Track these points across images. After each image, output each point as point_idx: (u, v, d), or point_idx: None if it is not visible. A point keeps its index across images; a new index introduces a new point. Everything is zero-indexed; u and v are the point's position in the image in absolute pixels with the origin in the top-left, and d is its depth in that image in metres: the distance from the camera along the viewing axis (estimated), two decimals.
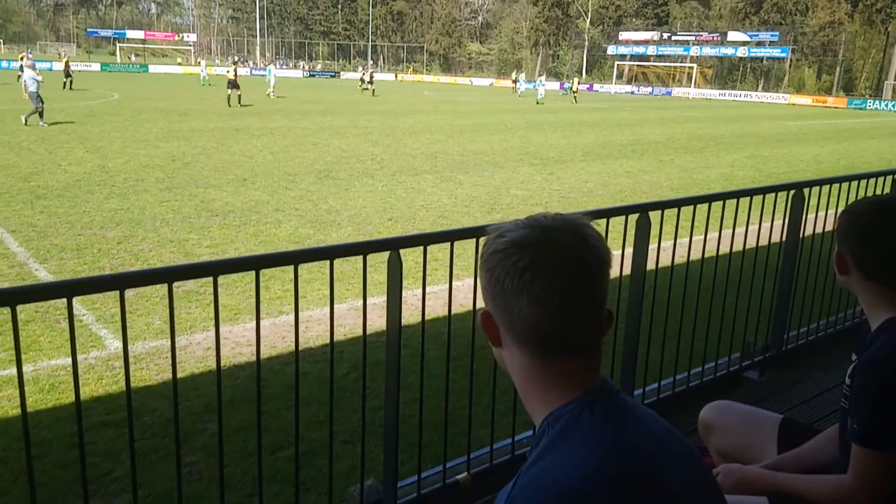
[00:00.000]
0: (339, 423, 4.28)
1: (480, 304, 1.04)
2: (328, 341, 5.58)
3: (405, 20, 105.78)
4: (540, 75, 54.18)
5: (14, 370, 4.82)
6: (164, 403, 4.43)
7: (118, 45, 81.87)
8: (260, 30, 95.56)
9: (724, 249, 3.67)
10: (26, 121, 19.32)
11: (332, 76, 77.82)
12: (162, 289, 6.55)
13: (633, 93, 66.06)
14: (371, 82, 45.59)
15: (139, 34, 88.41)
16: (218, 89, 38.04)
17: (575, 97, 45.21)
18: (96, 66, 62.27)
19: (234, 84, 29.85)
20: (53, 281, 6.55)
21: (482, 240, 1.02)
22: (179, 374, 4.92)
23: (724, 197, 3.77)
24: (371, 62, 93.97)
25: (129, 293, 6.29)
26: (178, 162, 14.28)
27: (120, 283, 1.67)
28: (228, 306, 6.29)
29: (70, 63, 38.05)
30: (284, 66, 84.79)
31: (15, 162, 13.40)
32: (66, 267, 7.23)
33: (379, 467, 3.04)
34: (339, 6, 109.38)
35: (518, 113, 33.58)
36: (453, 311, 2.58)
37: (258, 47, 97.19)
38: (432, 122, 26.57)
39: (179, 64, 75.55)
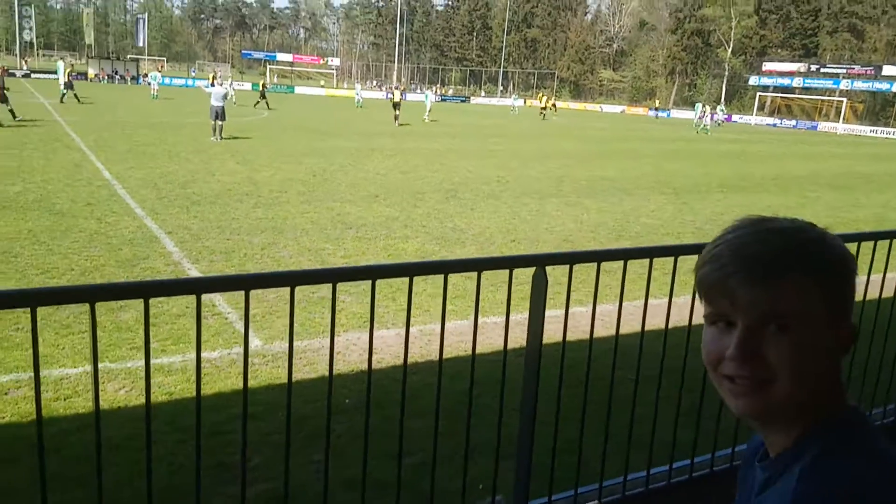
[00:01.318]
0: (453, 437, 4.31)
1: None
2: (448, 355, 5.63)
3: (538, 47, 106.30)
4: (707, 104, 50.85)
5: (165, 360, 5.24)
6: (297, 401, 4.62)
7: (268, 66, 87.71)
8: (398, 55, 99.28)
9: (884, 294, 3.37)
10: (220, 136, 20.87)
11: (462, 101, 79.33)
12: (299, 293, 6.85)
13: (775, 125, 62.61)
14: (547, 108, 50.49)
15: (288, 57, 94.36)
16: (369, 111, 39.93)
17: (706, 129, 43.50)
18: (247, 86, 66.96)
19: (397, 105, 33.36)
20: (184, 278, 7.06)
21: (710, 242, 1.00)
22: (312, 375, 5.16)
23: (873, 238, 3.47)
24: (546, 90, 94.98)
25: (270, 295, 6.68)
26: (317, 177, 15.04)
27: (246, 284, 1.78)
28: (359, 314, 6.51)
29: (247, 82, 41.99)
30: (417, 90, 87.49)
31: (174, 170, 14.63)
32: (214, 268, 7.78)
33: (500, 485, 3.02)
34: (475, 34, 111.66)
35: (649, 141, 32.71)
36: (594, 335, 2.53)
37: (395, 72, 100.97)
38: (559, 146, 26.42)
39: (322, 86, 79.77)
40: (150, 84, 44.22)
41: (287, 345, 5.68)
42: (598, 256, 2.27)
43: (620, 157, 23.55)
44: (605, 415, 2.55)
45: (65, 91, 31.35)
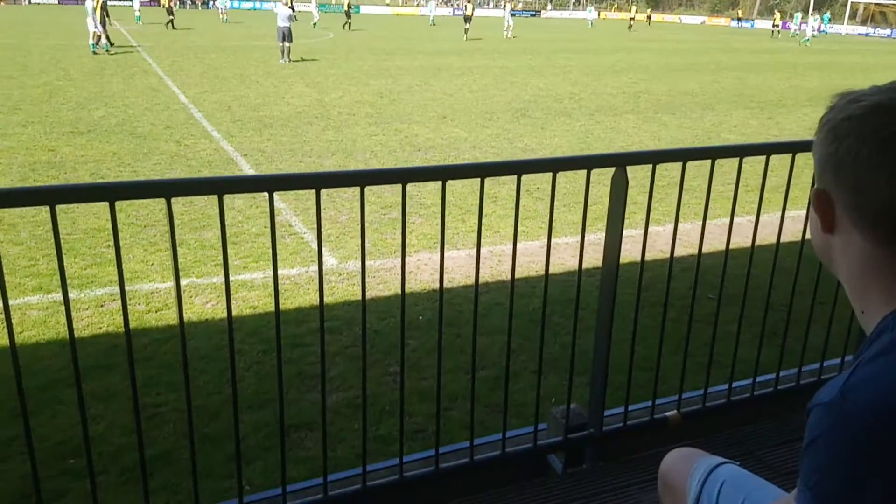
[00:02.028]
0: (526, 353, 4.35)
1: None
2: (522, 274, 5.61)
3: None
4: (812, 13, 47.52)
5: (247, 276, 5.42)
6: (372, 317, 4.75)
7: None
8: None
9: None
10: (288, 59, 20.80)
11: (532, 15, 76.46)
12: (370, 216, 6.87)
13: (867, 35, 57.83)
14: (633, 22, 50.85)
15: None
16: (441, 28, 39.24)
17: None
18: (312, 6, 66.32)
19: (468, 19, 35.03)
20: (256, 175, 7.23)
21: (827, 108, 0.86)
22: (385, 293, 5.26)
23: None
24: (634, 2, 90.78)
25: (342, 217, 6.78)
26: (385, 98, 14.93)
27: (317, 182, 1.77)
28: (429, 235, 6.54)
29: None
30: (487, 7, 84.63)
31: (246, 93, 14.80)
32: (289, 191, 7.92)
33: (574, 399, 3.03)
34: None
35: (732, 53, 30.85)
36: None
37: None
38: (636, 60, 25.25)
39: (388, 5, 78.22)
40: (219, 9, 44.41)
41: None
42: (684, 155, 2.14)
43: (701, 71, 22.35)
44: (684, 333, 2.49)
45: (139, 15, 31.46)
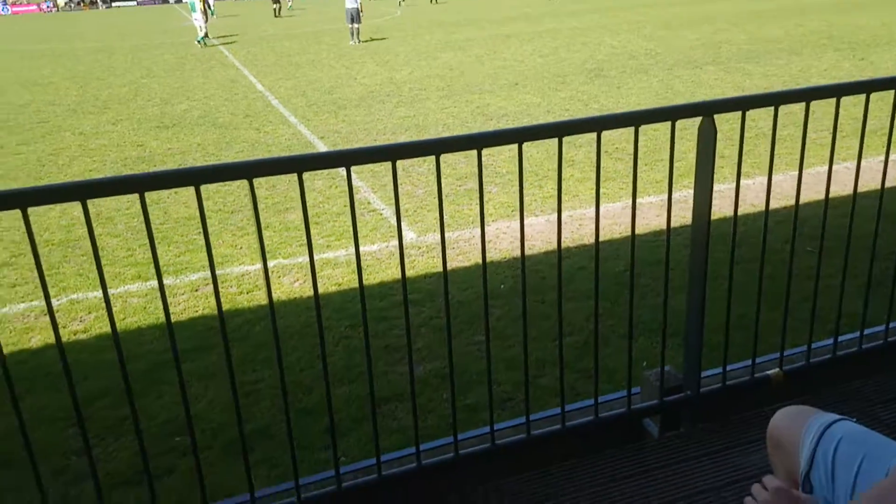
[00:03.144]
0: (613, 317, 4.25)
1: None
2: (605, 238, 5.49)
3: None
4: None
5: (330, 254, 5.53)
6: (454, 288, 4.75)
7: None
8: None
9: None
10: (358, 40, 21.07)
11: None
12: (449, 187, 6.83)
13: None
14: None
15: None
16: None
17: None
18: None
19: None
20: (332, 150, 7.30)
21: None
22: (466, 264, 5.25)
23: None
24: None
25: (419, 191, 6.80)
26: (455, 71, 14.82)
27: (392, 153, 1.75)
28: (506, 203, 6.48)
29: None
30: None
31: (319, 77, 15.02)
32: (366, 169, 8.01)
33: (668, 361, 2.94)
34: None
35: None
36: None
37: None
38: (713, 9, 24.05)
39: None
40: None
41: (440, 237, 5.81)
42: (775, 99, 2.00)
43: (783, 15, 21.06)
44: (784, 290, 2.35)
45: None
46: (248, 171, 1.66)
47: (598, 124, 1.88)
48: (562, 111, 10.29)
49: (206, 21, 23.65)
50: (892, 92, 2.20)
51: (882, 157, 2.39)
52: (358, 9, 21.04)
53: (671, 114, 1.94)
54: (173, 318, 4.67)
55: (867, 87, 2.07)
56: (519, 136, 1.83)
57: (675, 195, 2.08)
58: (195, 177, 1.61)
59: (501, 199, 6.61)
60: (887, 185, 2.45)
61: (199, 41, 23.01)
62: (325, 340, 2.19)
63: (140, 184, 1.56)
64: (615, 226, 5.74)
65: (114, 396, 3.62)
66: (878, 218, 2.39)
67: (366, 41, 21.32)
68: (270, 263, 5.38)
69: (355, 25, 20.99)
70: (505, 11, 29.77)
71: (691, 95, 10.69)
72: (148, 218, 1.64)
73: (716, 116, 1.98)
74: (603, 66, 13.98)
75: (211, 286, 5.10)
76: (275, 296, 4.78)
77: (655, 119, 1.97)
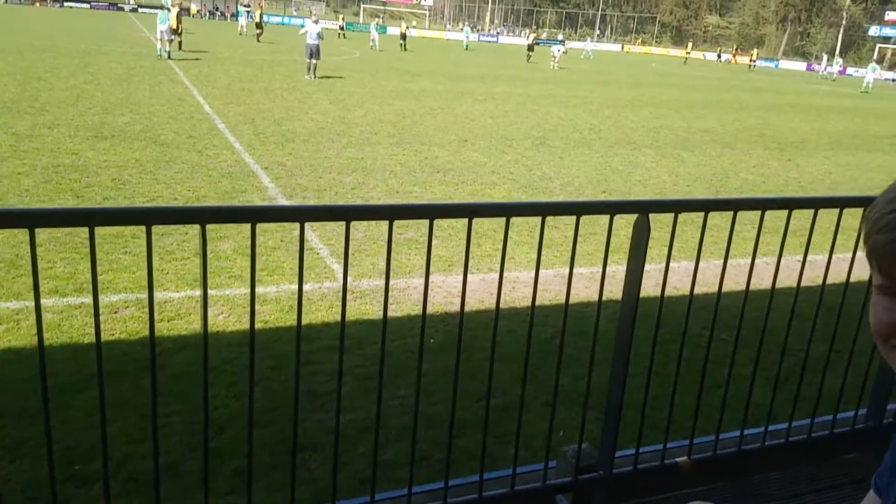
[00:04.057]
0: (538, 383, 4.32)
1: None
2: (536, 303, 5.60)
3: None
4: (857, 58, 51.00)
5: (260, 289, 5.43)
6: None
7: (362, 5, 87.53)
8: None
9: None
10: (314, 75, 21.19)
11: (558, 44, 77.01)
12: (384, 234, 6.94)
13: (894, 80, 57.77)
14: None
15: None
16: (475, 54, 39.73)
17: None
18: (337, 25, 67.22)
19: (531, 48, 40.27)
20: (290, 205, 7.26)
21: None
22: (398, 314, 5.26)
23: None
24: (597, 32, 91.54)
25: (358, 234, 6.80)
26: (407, 119, 15.04)
27: (347, 214, 1.78)
28: (444, 257, 6.55)
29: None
30: (511, 34, 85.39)
31: (270, 107, 14.97)
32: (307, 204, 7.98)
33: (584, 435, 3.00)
34: None
35: (755, 92, 30.89)
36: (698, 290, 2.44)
37: (488, 13, 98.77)
38: (657, 95, 25.33)
39: (415, 27, 79.14)
40: (239, 23, 44.78)
41: (375, 282, 5.81)
42: (706, 206, 2.15)
43: (722, 109, 22.38)
44: (699, 373, 2.47)
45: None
46: (202, 216, 1.65)
47: (543, 210, 1.96)
48: (506, 173, 10.55)
49: (177, 36, 24.25)
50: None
51: (800, 256, 2.57)
52: (318, 45, 21.22)
53: (611, 208, 2.05)
54: (86, 340, 4.48)
55: (790, 204, 2.24)
56: (469, 211, 1.89)
57: (609, 268, 2.19)
58: (146, 216, 1.59)
59: (440, 253, 6.68)
60: (803, 284, 2.62)
61: (160, 55, 22.96)
62: (253, 382, 2.16)
63: (89, 217, 1.53)
64: (546, 292, 5.87)
65: (14, 416, 3.43)
66: (791, 316, 2.55)
67: (322, 78, 21.44)
68: (197, 292, 5.24)
69: (314, 61, 21.12)
70: (463, 69, 30.54)
71: (628, 175, 11.15)
72: (94, 253, 1.60)
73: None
74: (549, 135, 14.46)
75: (130, 310, 4.95)
76: (198, 328, 4.65)
77: (596, 211, 2.08)
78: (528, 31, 45.91)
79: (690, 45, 65.94)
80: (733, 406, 2.72)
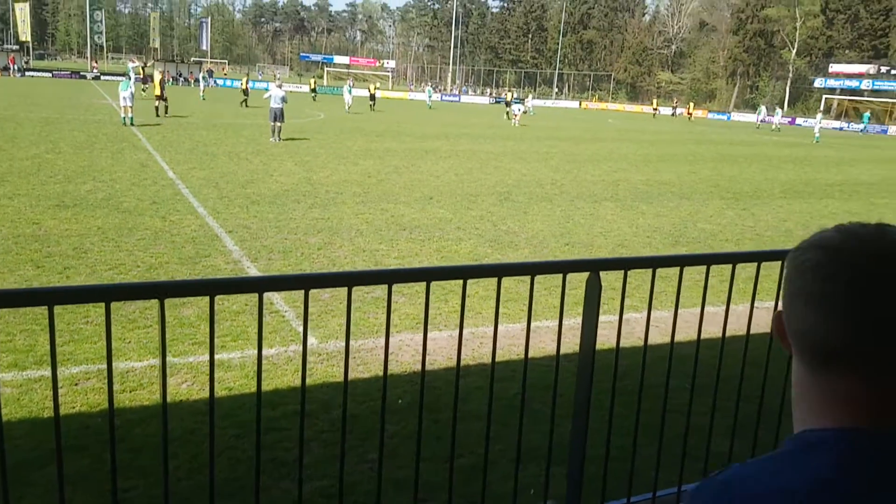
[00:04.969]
0: (503, 441, 4.32)
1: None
2: (500, 359, 5.63)
3: (594, 48, 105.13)
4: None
5: (224, 356, 5.38)
6: (351, 401, 4.71)
7: (326, 69, 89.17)
8: (453, 58, 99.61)
9: None
10: (279, 138, 21.38)
11: (517, 102, 79.14)
12: (354, 293, 6.93)
13: (841, 129, 60.41)
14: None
15: (345, 59, 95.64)
16: (438, 112, 40.45)
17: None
18: (305, 88, 68.24)
19: (509, 104, 41.87)
20: (247, 276, 7.22)
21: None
22: (365, 375, 5.23)
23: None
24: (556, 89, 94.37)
25: (325, 295, 6.80)
26: (372, 178, 15.22)
27: (305, 283, 1.83)
28: (412, 315, 6.57)
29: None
30: (472, 93, 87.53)
31: (234, 170, 15.03)
32: (272, 267, 7.97)
33: (551, 490, 3.01)
34: (530, 35, 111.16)
35: (708, 144, 31.96)
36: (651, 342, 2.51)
37: (450, 74, 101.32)
38: (615, 149, 26.06)
39: (378, 89, 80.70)
40: (198, 83, 45.47)
41: (342, 344, 5.79)
42: (654, 263, 2.25)
43: (678, 161, 23.09)
44: (659, 424, 2.53)
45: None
46: (161, 291, 1.68)
47: (499, 271, 2.03)
48: (472, 228, 10.69)
49: (163, 101, 25.95)
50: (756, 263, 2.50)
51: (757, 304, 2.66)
52: (282, 109, 21.51)
53: (564, 267, 2.13)
54: (46, 414, 4.37)
55: (733, 259, 2.35)
56: (427, 275, 1.95)
57: (573, 321, 2.25)
58: (105, 293, 1.62)
59: (407, 311, 6.70)
60: (754, 331, 2.71)
61: (124, 122, 23.09)
62: (213, 451, 2.14)
63: (49, 296, 1.55)
64: (514, 346, 5.91)
65: None
66: (743, 364, 2.63)
67: (287, 140, 21.65)
68: (158, 361, 5.17)
69: (278, 124, 21.36)
70: (427, 128, 31.13)
71: (590, 227, 11.39)
72: (53, 331, 1.62)
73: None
74: (512, 190, 14.74)
75: (91, 381, 4.85)
76: (160, 398, 4.57)
77: (550, 271, 2.15)
78: (505, 90, 48.26)
79: (656, 101, 68.76)
80: (695, 455, 2.77)
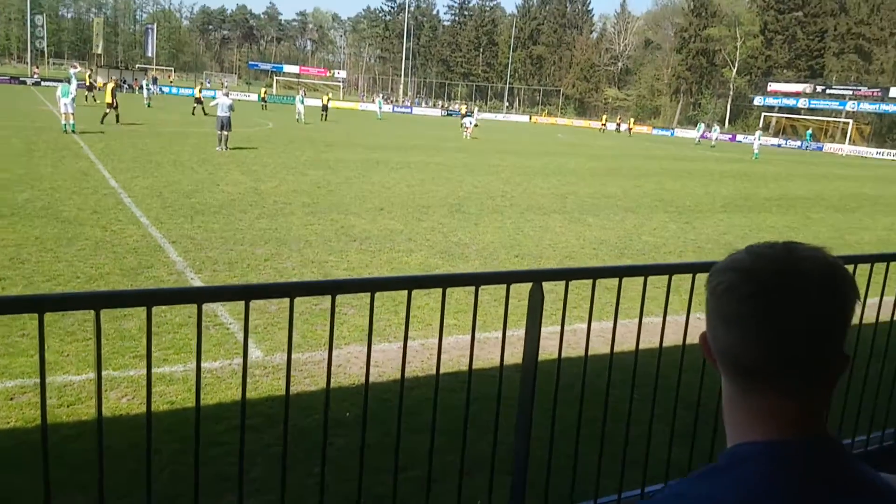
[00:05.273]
0: (453, 452, 4.33)
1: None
2: (450, 370, 5.66)
3: (544, 64, 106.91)
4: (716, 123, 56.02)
5: (167, 369, 5.27)
6: (299, 413, 4.66)
7: (275, 77, 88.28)
8: (404, 69, 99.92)
9: (883, 317, 3.41)
10: (225, 147, 21.10)
11: (469, 115, 79.86)
12: (302, 305, 6.88)
13: (779, 146, 62.83)
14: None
15: (295, 69, 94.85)
16: (385, 123, 40.30)
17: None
18: (254, 97, 67.39)
19: (465, 116, 42.08)
20: (186, 287, 7.10)
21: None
22: (313, 388, 5.19)
23: (881, 259, 3.51)
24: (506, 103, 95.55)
25: (272, 307, 6.72)
26: (322, 189, 15.12)
27: (246, 294, 1.83)
28: (361, 327, 6.54)
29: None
30: (424, 105, 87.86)
31: (179, 179, 14.73)
32: (217, 278, 7.83)
33: (497, 501, 3.04)
34: (481, 49, 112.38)
35: (653, 159, 32.81)
36: (590, 352, 2.57)
37: (402, 86, 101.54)
38: (564, 163, 26.51)
39: (330, 99, 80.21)
40: (144, 93, 44.51)
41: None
42: (594, 273, 2.31)
43: (624, 175, 23.63)
44: (601, 432, 2.59)
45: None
46: (96, 302, 1.65)
47: (443, 281, 2.06)
48: (423, 240, 10.72)
49: (114, 109, 25.79)
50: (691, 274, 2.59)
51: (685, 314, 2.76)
52: (229, 117, 21.22)
53: (507, 278, 2.17)
54: None
55: (670, 270, 2.43)
56: (372, 286, 1.96)
57: (520, 332, 2.29)
58: (38, 304, 1.58)
59: (356, 322, 6.68)
60: (690, 341, 2.81)
61: (65, 129, 22.42)
62: (150, 467, 2.10)
63: None
64: (463, 357, 5.93)
65: None
66: (680, 372, 2.72)
67: (234, 149, 21.33)
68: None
69: (225, 132, 21.05)
70: (379, 139, 31.10)
71: (539, 239, 11.55)
72: None
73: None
74: (463, 202, 14.84)
75: (27, 395, 4.68)
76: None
77: (494, 282, 2.19)
78: (457, 102, 48.97)
79: (605, 116, 70.97)
80: (638, 462, 2.84)
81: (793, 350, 0.88)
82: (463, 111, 47.20)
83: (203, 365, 5.40)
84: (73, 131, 22.27)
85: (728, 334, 0.91)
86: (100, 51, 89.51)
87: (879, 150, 60.23)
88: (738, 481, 0.86)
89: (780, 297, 0.87)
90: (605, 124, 66.58)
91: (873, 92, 64.53)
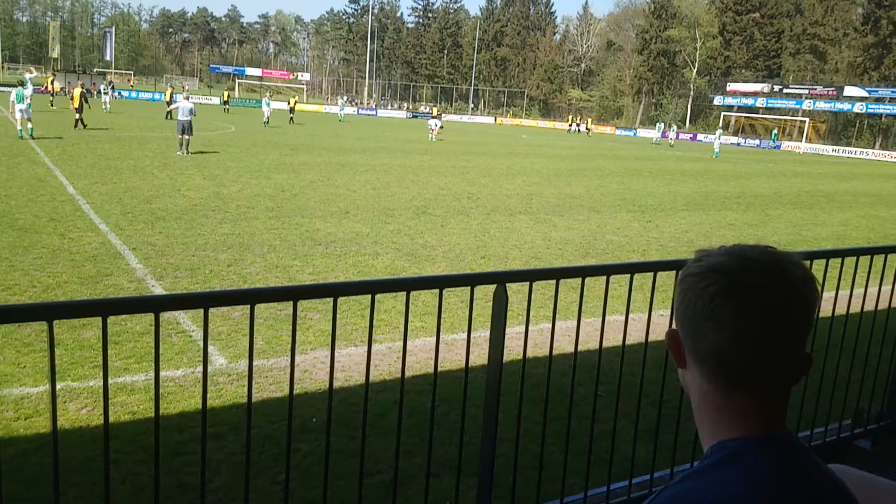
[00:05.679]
0: (421, 454, 4.32)
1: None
2: (418, 372, 5.65)
3: (508, 66, 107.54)
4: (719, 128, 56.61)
5: (128, 378, 5.16)
6: (263, 420, 4.60)
7: (237, 80, 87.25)
8: (369, 71, 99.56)
9: (838, 311, 3.49)
10: (187, 151, 20.79)
11: (434, 117, 79.92)
12: (267, 311, 6.80)
13: (739, 144, 64.14)
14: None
15: (257, 72, 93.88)
16: (349, 125, 39.87)
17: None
18: (216, 100, 66.53)
19: (436, 118, 41.46)
20: (142, 296, 6.96)
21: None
22: (278, 394, 5.13)
23: (836, 255, 3.60)
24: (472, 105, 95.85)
25: (235, 313, 6.63)
26: (286, 193, 14.97)
27: (204, 301, 1.80)
28: (326, 332, 6.48)
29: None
30: (389, 108, 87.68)
31: (139, 185, 14.46)
32: (179, 285, 7.70)
33: (463, 502, 3.04)
34: (446, 51, 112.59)
35: (616, 160, 33.22)
36: (554, 352, 2.58)
37: (366, 88, 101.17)
38: (529, 164, 26.69)
39: (297, 102, 79.63)
40: (103, 98, 43.64)
41: (255, 362, 5.65)
42: (557, 274, 2.33)
43: (588, 176, 23.87)
44: (566, 430, 2.60)
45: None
46: (49, 312, 1.60)
47: (407, 285, 2.05)
48: (389, 243, 10.68)
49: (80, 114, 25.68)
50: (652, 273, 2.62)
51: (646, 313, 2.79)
52: (191, 121, 20.91)
53: (471, 280, 2.16)
54: None
55: (631, 269, 2.45)
56: (333, 291, 1.94)
57: (486, 333, 2.30)
58: None
59: (321, 327, 6.62)
60: (653, 338, 2.84)
61: (21, 135, 21.89)
62: (111, 478, 2.05)
63: None
64: (430, 359, 5.91)
65: None
66: (643, 369, 2.75)
67: (195, 153, 21.02)
68: (58, 385, 4.89)
69: (186, 136, 20.73)
70: (343, 142, 30.93)
71: (505, 240, 11.60)
72: None
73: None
74: (429, 204, 14.83)
75: None
76: (59, 424, 4.33)
77: (457, 284, 2.19)
78: (422, 104, 48.92)
79: (571, 116, 71.95)
80: (605, 459, 2.86)
81: (784, 350, 0.93)
82: (434, 113, 46.51)
83: (165, 374, 5.33)
84: (32, 136, 21.73)
85: (717, 335, 0.93)
86: (56, 55, 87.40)
87: (835, 147, 61.89)
88: (736, 475, 0.89)
89: (775, 301, 0.92)
90: (570, 124, 67.55)
91: (828, 91, 66.29)
